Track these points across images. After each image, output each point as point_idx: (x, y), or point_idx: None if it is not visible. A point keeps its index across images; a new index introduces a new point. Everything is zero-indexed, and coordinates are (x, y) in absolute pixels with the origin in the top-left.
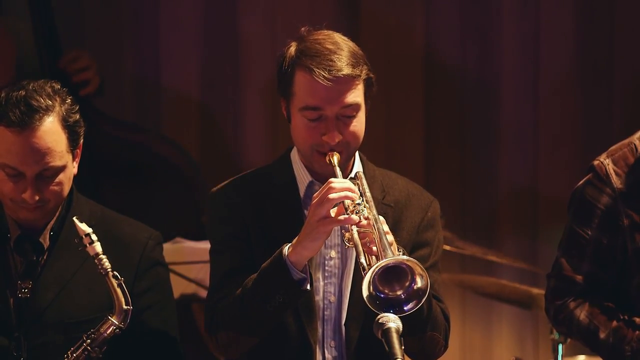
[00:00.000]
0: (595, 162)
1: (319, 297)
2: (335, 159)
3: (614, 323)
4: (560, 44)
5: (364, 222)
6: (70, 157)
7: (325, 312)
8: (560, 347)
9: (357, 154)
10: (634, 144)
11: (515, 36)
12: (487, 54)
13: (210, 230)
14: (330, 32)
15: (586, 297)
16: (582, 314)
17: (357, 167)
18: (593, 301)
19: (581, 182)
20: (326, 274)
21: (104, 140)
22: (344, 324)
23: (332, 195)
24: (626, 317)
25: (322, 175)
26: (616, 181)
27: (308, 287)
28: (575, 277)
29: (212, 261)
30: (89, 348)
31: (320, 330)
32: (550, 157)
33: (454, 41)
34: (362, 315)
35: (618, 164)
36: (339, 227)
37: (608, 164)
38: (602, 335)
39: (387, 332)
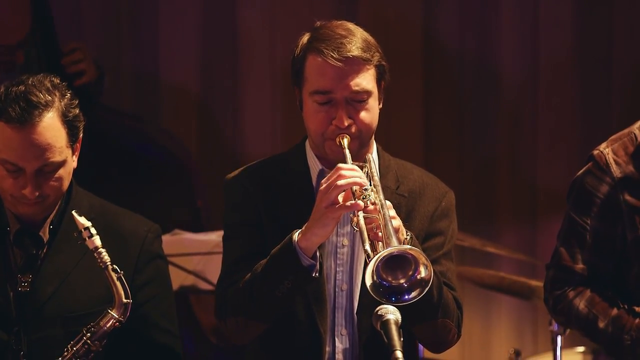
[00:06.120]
0: (595, 152)
1: (330, 285)
2: (346, 141)
3: (613, 312)
4: (559, 33)
5: (371, 207)
6: (69, 151)
7: (337, 301)
8: (559, 338)
9: (374, 144)
10: (634, 134)
11: (514, 26)
12: (486, 43)
13: (224, 216)
14: (344, 21)
15: (585, 287)
16: (581, 303)
17: (374, 157)
18: (592, 291)
19: (581, 171)
20: (338, 262)
21: (103, 126)
22: (356, 313)
23: (340, 182)
24: (625, 306)
25: (333, 162)
26: (616, 170)
27: (317, 273)
28: (574, 267)
29: (224, 247)
30: (89, 342)
31: (331, 318)
32: (549, 148)
33: (453, 31)
34: (374, 304)
35: (618, 153)
36: (350, 214)
37: (608, 153)
38: (601, 325)
39: (385, 323)
